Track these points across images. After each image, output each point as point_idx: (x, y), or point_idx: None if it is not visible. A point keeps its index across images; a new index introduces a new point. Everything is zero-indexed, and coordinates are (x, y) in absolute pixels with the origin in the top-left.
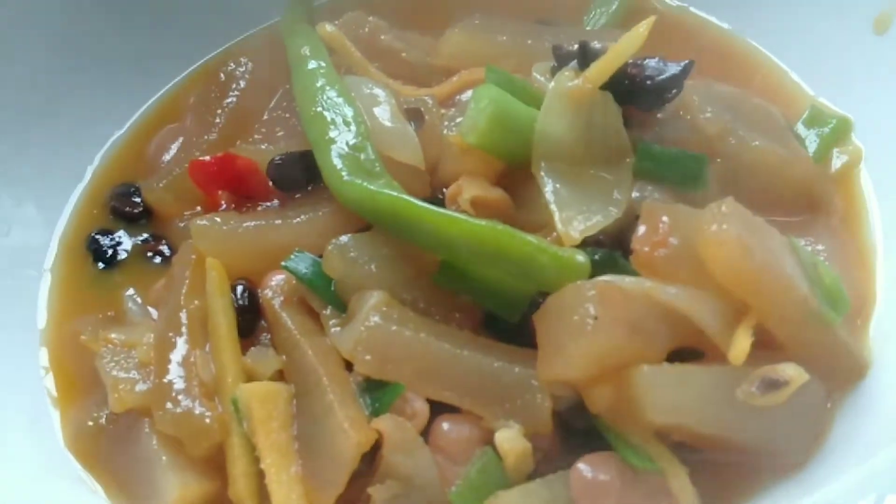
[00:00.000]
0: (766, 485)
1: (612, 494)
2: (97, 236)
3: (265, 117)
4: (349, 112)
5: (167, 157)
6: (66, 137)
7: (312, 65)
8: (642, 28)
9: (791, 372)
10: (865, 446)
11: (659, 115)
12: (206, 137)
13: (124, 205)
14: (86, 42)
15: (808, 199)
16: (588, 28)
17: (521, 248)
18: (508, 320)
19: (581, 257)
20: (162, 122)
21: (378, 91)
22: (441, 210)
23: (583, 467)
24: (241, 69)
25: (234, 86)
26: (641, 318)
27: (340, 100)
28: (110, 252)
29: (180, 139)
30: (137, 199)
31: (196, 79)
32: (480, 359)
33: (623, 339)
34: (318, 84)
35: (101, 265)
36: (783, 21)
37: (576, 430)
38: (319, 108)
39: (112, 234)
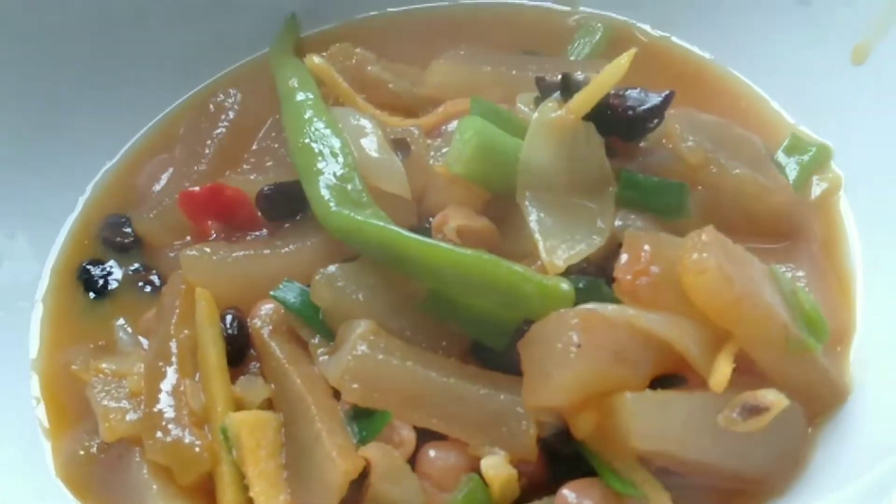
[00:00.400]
0: None
1: None
2: (88, 266)
3: (254, 147)
4: (336, 143)
5: (157, 187)
6: (57, 169)
7: (300, 97)
8: (623, 60)
9: (771, 398)
10: (846, 471)
11: (641, 145)
12: (195, 168)
13: (115, 235)
14: (76, 72)
15: (789, 226)
16: (572, 58)
17: (506, 278)
18: (495, 348)
19: (565, 285)
20: (152, 153)
21: (365, 122)
22: (427, 240)
23: (567, 493)
24: (231, 100)
25: (223, 116)
26: (624, 345)
27: (328, 131)
28: (101, 282)
29: (170, 170)
30: (128, 230)
31: (186, 109)
32: (466, 386)
33: (606, 366)
34: (307, 116)
35: (92, 295)
36: (763, 50)
37: (561, 457)
38: (307, 140)
39: (103, 265)
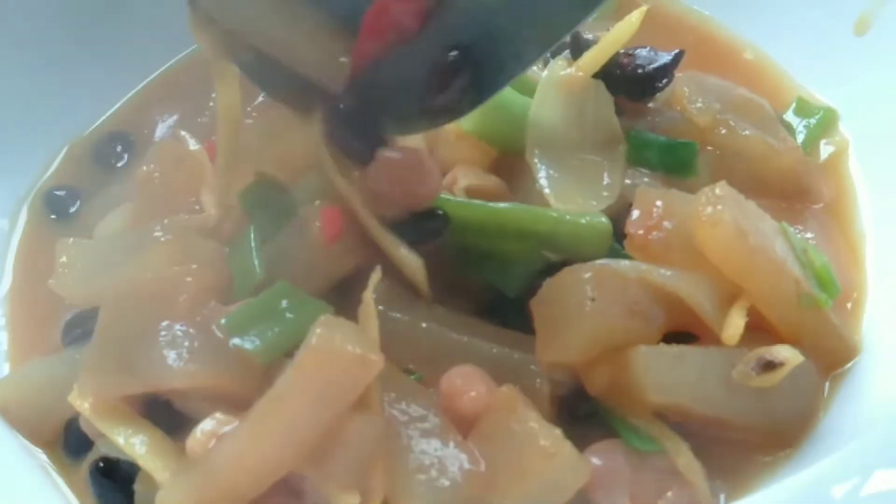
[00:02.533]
0: (761, 461)
1: (623, 480)
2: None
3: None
4: None
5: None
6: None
7: None
8: (634, 17)
9: (786, 353)
10: (857, 427)
11: (650, 105)
12: (198, 120)
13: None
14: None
15: (797, 188)
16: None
17: (543, 223)
18: (510, 295)
19: (603, 218)
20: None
21: None
22: (460, 199)
23: (591, 456)
24: None
25: None
26: (637, 300)
27: None
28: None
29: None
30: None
31: (192, 61)
32: (480, 345)
33: (620, 320)
34: None
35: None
36: (770, 12)
37: (578, 416)
38: None
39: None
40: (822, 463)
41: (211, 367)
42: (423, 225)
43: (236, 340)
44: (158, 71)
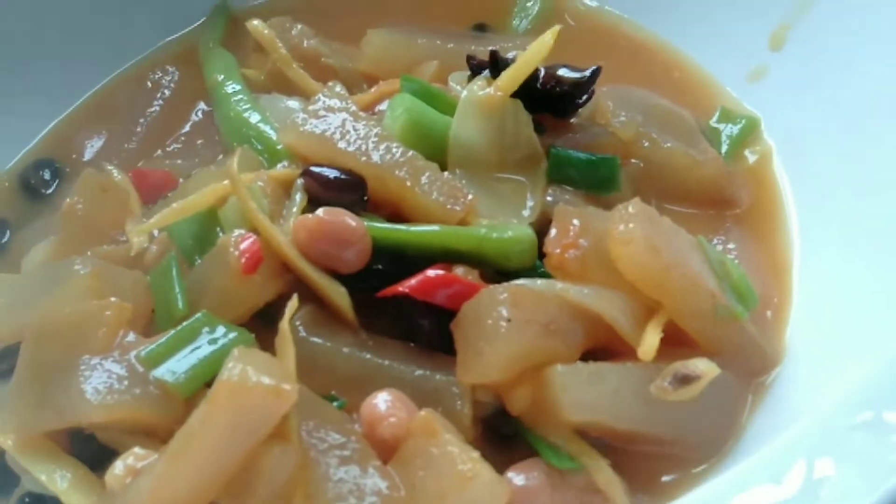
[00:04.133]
0: (684, 474)
1: (544, 499)
2: None
3: (187, 128)
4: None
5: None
6: None
7: (229, 89)
8: (548, 37)
9: (703, 366)
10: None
11: (573, 121)
12: (125, 146)
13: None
14: (7, 46)
15: (719, 197)
16: (517, 30)
17: (467, 242)
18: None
19: (528, 230)
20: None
21: (292, 103)
22: (383, 225)
23: (512, 476)
24: (168, 77)
25: (158, 94)
26: (554, 318)
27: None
28: None
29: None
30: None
31: (122, 83)
32: (401, 368)
33: (537, 339)
34: (237, 110)
35: None
36: (696, 21)
37: (502, 436)
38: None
39: None
40: (736, 468)
41: (130, 400)
42: (354, 284)
43: (157, 373)
44: (85, 96)
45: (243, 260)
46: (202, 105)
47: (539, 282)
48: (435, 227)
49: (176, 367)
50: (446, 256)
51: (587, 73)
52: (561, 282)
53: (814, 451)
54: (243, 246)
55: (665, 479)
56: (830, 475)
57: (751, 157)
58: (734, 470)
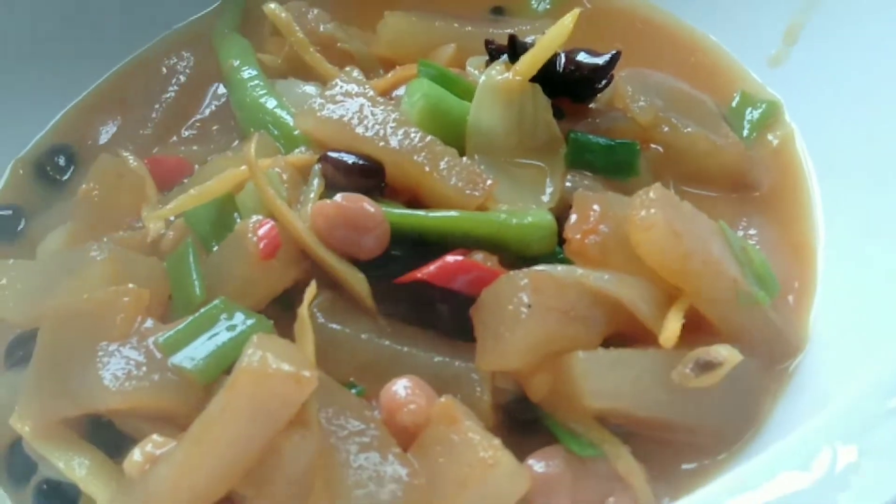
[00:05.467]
0: (705, 462)
1: (564, 486)
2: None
3: (200, 113)
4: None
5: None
6: None
7: (245, 74)
8: (567, 21)
9: (724, 353)
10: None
11: (593, 106)
12: (140, 132)
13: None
14: (23, 31)
15: (741, 182)
16: (538, 12)
17: (487, 228)
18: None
19: (548, 215)
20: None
21: (308, 88)
22: (402, 210)
23: (533, 463)
24: (183, 63)
25: (173, 80)
26: (575, 305)
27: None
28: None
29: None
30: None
31: (137, 67)
32: (420, 355)
33: (557, 326)
34: (253, 96)
35: None
36: (718, 3)
37: (522, 423)
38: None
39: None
40: (763, 455)
41: (148, 386)
42: (373, 270)
43: (175, 359)
44: (99, 80)
45: (261, 246)
46: (218, 90)
47: (559, 268)
48: (454, 213)
49: (194, 354)
50: (465, 242)
51: (606, 57)
52: (581, 268)
53: (841, 437)
54: (261, 232)
55: (686, 466)
56: (858, 462)
57: (773, 140)
58: (760, 457)
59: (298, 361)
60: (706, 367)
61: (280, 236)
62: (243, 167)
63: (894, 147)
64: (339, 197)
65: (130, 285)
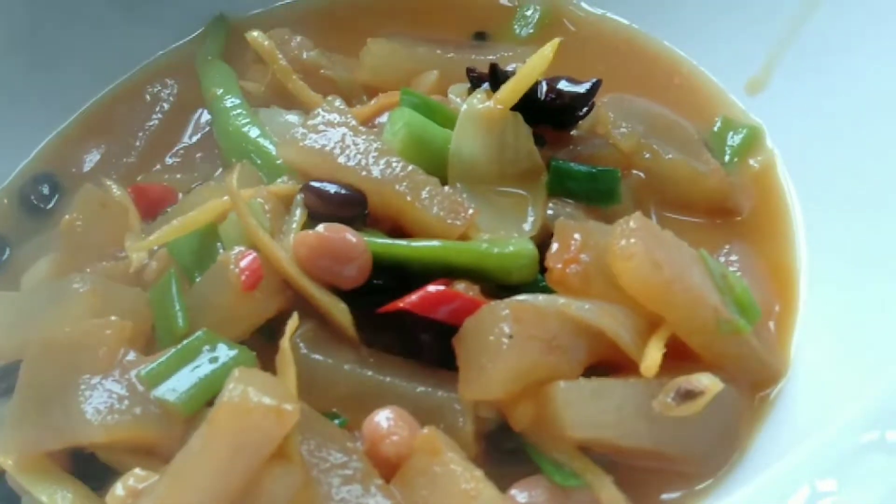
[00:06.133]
0: (689, 490)
1: None
2: None
3: (185, 141)
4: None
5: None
6: None
7: (228, 103)
8: (547, 51)
9: (706, 381)
10: (783, 450)
11: (574, 133)
12: (124, 160)
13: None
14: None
15: (723, 208)
16: (521, 37)
17: (468, 257)
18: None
19: (529, 244)
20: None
21: (291, 117)
22: (384, 240)
23: (516, 493)
24: (167, 91)
25: (157, 108)
26: (556, 334)
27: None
28: None
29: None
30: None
31: (120, 96)
32: (404, 385)
33: (539, 355)
34: (236, 125)
35: None
36: (700, 28)
37: (505, 453)
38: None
39: None
40: (741, 491)
41: (130, 420)
42: (355, 300)
43: (157, 392)
44: (82, 108)
45: (243, 277)
46: (202, 118)
47: (541, 297)
48: (436, 242)
49: (177, 386)
50: (447, 271)
51: (587, 85)
52: (563, 297)
53: (818, 472)
54: (243, 263)
55: (668, 496)
56: (835, 496)
57: (755, 165)
58: (741, 491)
59: (280, 395)
60: (687, 395)
61: (262, 268)
62: (226, 197)
63: (875, 172)
64: (321, 227)
65: (113, 317)
